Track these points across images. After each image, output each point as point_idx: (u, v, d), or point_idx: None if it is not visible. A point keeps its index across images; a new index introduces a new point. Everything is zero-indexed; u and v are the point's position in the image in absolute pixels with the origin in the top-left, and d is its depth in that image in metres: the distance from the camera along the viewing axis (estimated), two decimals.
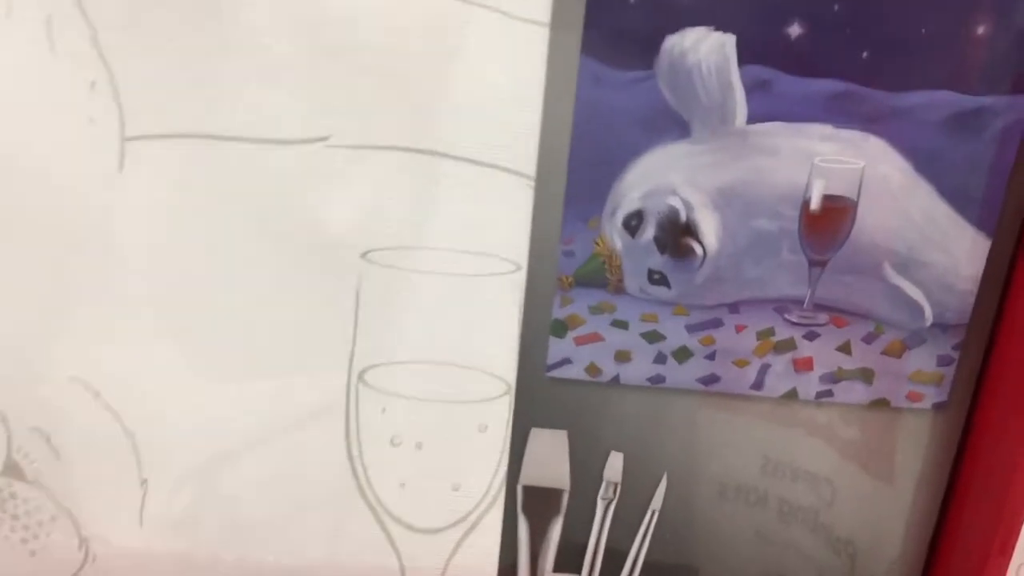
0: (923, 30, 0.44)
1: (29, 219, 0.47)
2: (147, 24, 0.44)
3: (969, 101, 0.45)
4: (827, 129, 0.46)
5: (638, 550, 0.54)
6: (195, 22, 0.44)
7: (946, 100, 0.45)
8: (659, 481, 0.53)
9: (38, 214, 0.47)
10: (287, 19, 0.44)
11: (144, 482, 0.53)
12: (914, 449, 0.52)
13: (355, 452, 0.52)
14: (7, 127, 0.46)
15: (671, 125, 0.46)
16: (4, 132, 0.46)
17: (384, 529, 0.53)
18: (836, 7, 0.43)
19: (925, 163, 0.46)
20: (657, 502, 0.53)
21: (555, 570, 0.54)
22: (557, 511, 0.53)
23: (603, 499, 0.53)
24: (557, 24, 0.44)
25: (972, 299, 0.49)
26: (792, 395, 0.51)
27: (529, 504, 0.53)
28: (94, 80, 0.45)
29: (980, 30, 0.44)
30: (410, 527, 0.53)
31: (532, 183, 0.47)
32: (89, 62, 0.44)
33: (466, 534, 0.54)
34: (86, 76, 0.44)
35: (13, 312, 0.49)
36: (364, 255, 0.48)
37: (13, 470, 0.52)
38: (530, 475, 0.53)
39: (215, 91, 0.45)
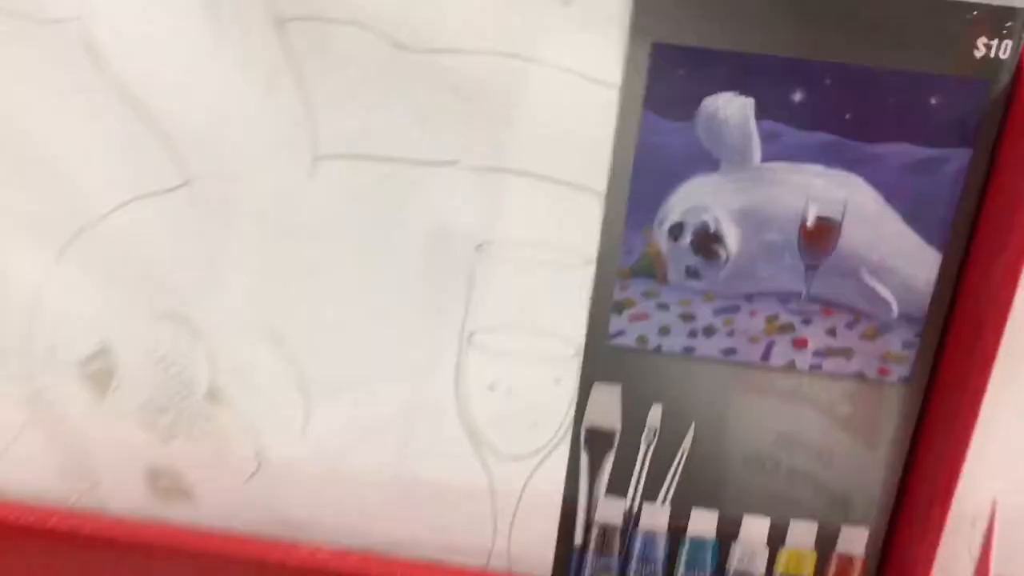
0: (890, 99, 0.50)
1: (242, 212, 0.55)
2: (328, 83, 0.51)
3: (924, 152, 0.51)
4: (819, 168, 0.52)
5: (671, 479, 0.61)
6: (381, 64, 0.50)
7: (908, 150, 0.51)
8: (688, 429, 0.60)
9: (249, 209, 0.55)
10: (430, 75, 0.50)
11: (307, 405, 0.60)
12: (887, 416, 0.58)
13: (462, 394, 0.59)
14: (230, 144, 0.53)
15: (705, 162, 0.53)
16: (225, 146, 0.54)
17: (479, 455, 0.61)
18: (828, 81, 0.50)
19: (892, 196, 0.53)
20: (686, 444, 0.59)
21: (607, 493, 0.61)
22: (610, 448, 0.60)
23: (645, 440, 0.59)
24: (626, 86, 0.51)
25: (928, 298, 0.55)
26: (791, 366, 0.58)
27: (590, 441, 0.60)
28: (292, 109, 0.51)
29: (932, 101, 0.50)
30: (499, 453, 0.61)
31: (602, 198, 0.53)
32: (289, 91, 0.51)
33: (541, 462, 0.60)
34: (287, 104, 0.52)
35: (237, 279, 0.57)
36: (478, 247, 0.55)
37: (213, 396, 0.61)
38: (591, 419, 0.59)
39: (382, 122, 0.52)
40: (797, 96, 0.50)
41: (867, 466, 0.59)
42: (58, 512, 0.59)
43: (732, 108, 0.51)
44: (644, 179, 0.53)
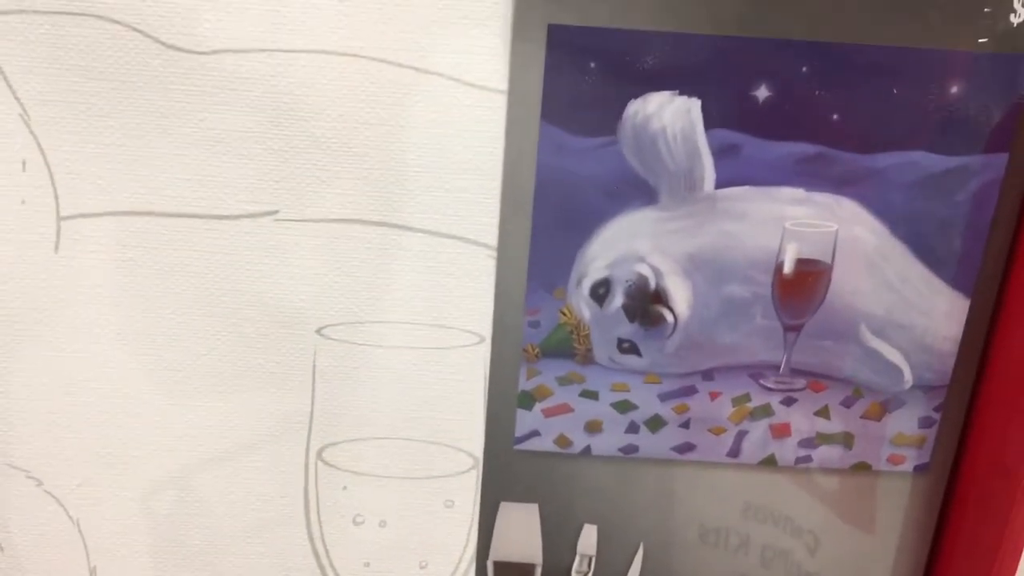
0: (894, 91, 0.43)
1: None
2: (80, 98, 0.42)
3: (944, 161, 0.44)
4: (798, 192, 0.45)
5: None
6: (131, 94, 0.42)
7: (920, 160, 0.44)
8: (635, 552, 0.51)
9: None
10: (231, 89, 0.43)
11: (93, 570, 0.51)
12: (897, 510, 0.52)
13: (316, 532, 0.51)
14: None
15: (637, 191, 0.45)
16: None
17: None
18: (804, 69, 0.42)
19: (900, 225, 0.46)
20: (634, 574, 0.52)
21: None
22: None
23: (577, 573, 0.52)
24: (515, 91, 0.43)
25: (952, 360, 0.48)
26: (770, 461, 0.50)
27: None
28: (25, 159, 0.43)
29: (953, 90, 0.43)
30: None
31: (494, 253, 0.46)
32: (19, 140, 0.42)
33: None
34: (16, 155, 0.43)
35: None
36: (319, 331, 0.47)
37: None
38: (500, 551, 0.52)
39: (155, 165, 0.44)
40: (761, 92, 0.43)
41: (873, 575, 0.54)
42: None
43: (671, 114, 0.44)
44: (550, 221, 0.46)
